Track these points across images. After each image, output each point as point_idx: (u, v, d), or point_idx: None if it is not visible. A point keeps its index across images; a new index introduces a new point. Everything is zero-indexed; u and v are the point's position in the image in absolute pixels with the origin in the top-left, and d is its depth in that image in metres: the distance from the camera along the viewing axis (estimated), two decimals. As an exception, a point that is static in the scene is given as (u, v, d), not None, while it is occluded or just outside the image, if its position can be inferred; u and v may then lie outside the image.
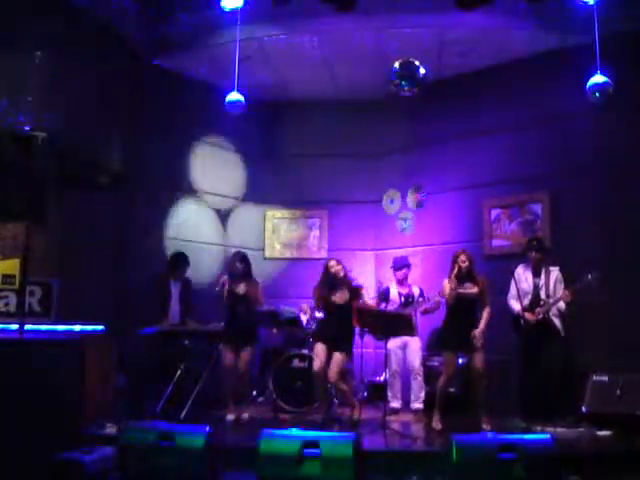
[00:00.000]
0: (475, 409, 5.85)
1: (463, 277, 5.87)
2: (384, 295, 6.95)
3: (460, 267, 5.85)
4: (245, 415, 6.18)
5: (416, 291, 6.87)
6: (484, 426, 5.65)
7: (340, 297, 6.03)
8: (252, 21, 6.58)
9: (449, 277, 5.90)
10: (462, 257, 5.90)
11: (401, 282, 6.96)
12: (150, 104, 7.28)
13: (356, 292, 6.06)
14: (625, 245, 6.25)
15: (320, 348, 5.94)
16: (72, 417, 4.55)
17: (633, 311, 6.01)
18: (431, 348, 7.03)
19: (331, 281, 6.06)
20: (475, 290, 5.86)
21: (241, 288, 6.22)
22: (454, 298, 5.85)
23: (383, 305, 6.85)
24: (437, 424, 5.82)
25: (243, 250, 6.64)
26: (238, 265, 6.21)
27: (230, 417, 6.11)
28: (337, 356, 5.84)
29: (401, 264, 7.01)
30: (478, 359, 5.74)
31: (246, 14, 6.26)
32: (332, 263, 6.16)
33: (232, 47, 6.28)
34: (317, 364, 5.88)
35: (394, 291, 6.93)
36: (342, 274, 6.08)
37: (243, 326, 6.18)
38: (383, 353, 6.07)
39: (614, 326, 6.06)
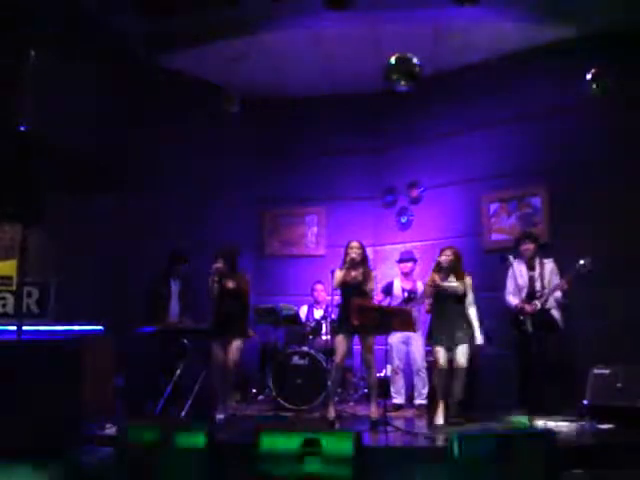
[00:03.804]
0: (473, 406, 5.84)
1: (446, 271, 5.86)
2: (388, 289, 6.92)
3: (439, 262, 5.86)
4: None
5: (420, 286, 6.80)
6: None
7: (354, 277, 5.87)
8: (251, 20, 6.57)
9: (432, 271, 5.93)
10: (447, 252, 5.92)
11: (406, 276, 6.93)
12: (150, 104, 7.26)
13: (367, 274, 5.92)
14: (624, 237, 6.23)
15: (340, 340, 5.85)
16: (71, 418, 4.54)
17: (633, 304, 5.99)
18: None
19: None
20: (457, 284, 5.83)
21: (230, 283, 6.12)
22: (434, 292, 5.86)
23: (387, 300, 6.82)
24: (439, 419, 5.79)
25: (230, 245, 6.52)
26: (219, 263, 6.07)
27: (220, 416, 5.89)
28: (369, 338, 5.79)
29: (406, 257, 6.99)
30: (461, 353, 5.72)
31: (245, 12, 6.25)
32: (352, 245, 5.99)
33: (231, 46, 6.25)
34: (339, 357, 5.82)
35: (397, 286, 6.90)
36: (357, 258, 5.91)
37: (230, 320, 6.04)
38: (384, 349, 6.05)
39: (614, 319, 6.06)
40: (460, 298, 5.86)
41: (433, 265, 5.94)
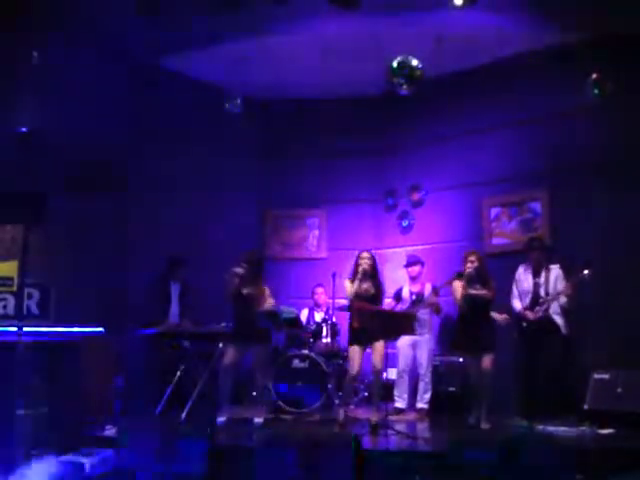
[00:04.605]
0: (477, 408, 5.82)
1: (473, 278, 5.84)
2: (398, 296, 6.91)
3: (465, 269, 5.85)
4: (259, 420, 6.03)
5: (428, 289, 6.80)
6: (483, 425, 5.63)
7: (366, 290, 5.86)
8: (251, 21, 6.57)
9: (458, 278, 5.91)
10: (471, 258, 5.90)
11: (414, 280, 6.91)
12: (150, 104, 7.25)
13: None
14: (624, 242, 6.23)
15: (356, 351, 5.79)
16: (72, 419, 4.53)
17: (632, 308, 5.99)
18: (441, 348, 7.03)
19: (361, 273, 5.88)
20: (484, 292, 5.81)
21: (245, 290, 6.15)
22: (463, 299, 5.85)
23: (398, 306, 6.81)
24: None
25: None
26: (242, 267, 6.11)
27: (222, 419, 5.88)
28: (380, 343, 5.74)
29: (412, 261, 6.98)
30: (487, 359, 5.71)
31: (246, 14, 6.24)
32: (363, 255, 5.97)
33: (232, 47, 6.24)
34: (355, 369, 5.78)
35: (406, 290, 6.90)
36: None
37: (253, 326, 6.09)
38: (385, 353, 6.03)
39: (614, 323, 6.05)
40: (485, 305, 5.84)
41: (455, 274, 5.92)
